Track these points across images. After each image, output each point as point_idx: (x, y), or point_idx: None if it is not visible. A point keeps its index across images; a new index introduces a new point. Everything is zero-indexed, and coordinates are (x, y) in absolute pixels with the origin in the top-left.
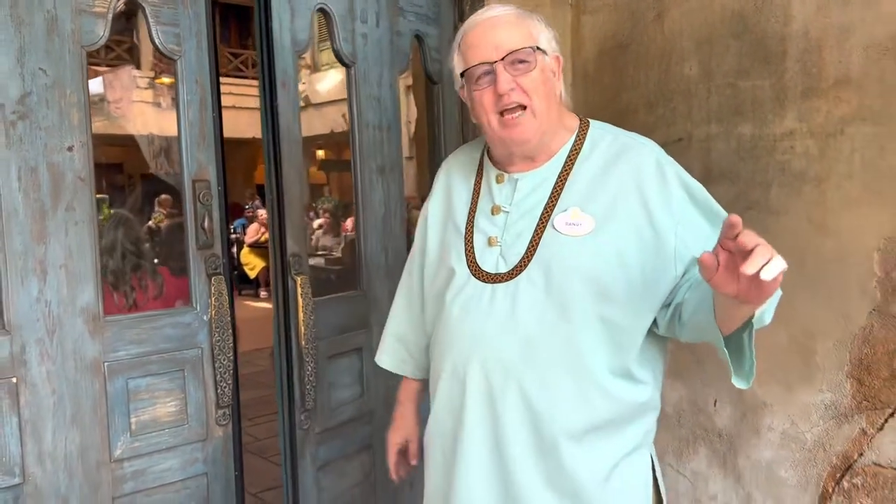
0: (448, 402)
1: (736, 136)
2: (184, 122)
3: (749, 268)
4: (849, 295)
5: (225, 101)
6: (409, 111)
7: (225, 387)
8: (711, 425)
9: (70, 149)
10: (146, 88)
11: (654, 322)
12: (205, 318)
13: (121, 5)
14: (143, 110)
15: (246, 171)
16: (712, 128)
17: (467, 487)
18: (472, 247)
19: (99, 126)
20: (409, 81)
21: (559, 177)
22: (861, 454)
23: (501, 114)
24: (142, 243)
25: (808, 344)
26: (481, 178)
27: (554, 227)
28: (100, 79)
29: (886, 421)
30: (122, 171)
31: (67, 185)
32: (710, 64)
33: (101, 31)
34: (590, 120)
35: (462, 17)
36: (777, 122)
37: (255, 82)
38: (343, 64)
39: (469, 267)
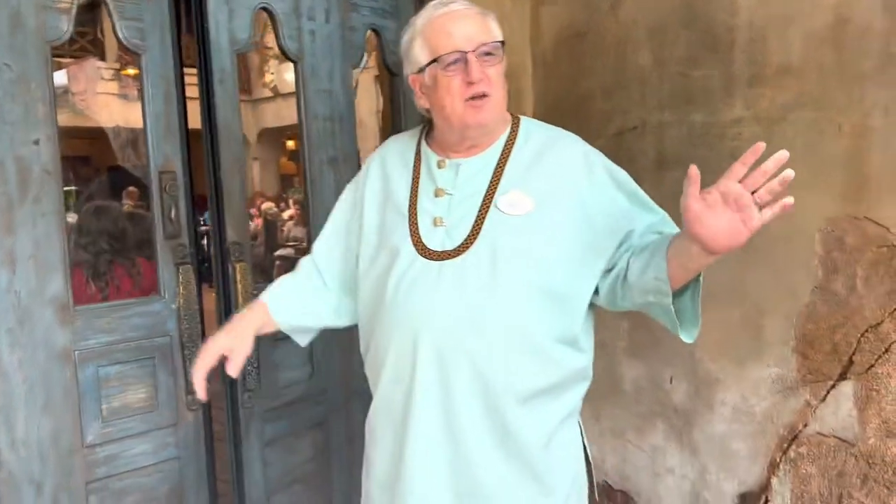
0: (396, 376)
1: (688, 123)
2: (149, 115)
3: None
4: (794, 273)
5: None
6: (378, 102)
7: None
8: (668, 401)
9: (36, 142)
10: (111, 80)
11: (595, 291)
12: (173, 306)
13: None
14: (108, 102)
15: None
16: (665, 115)
17: (421, 452)
18: (417, 227)
19: (64, 119)
20: (376, 72)
21: (498, 163)
22: (806, 425)
23: (467, 100)
24: (110, 234)
25: (757, 320)
26: (420, 164)
27: (497, 208)
28: (63, 71)
29: (828, 393)
30: (90, 164)
31: (34, 178)
32: (663, 53)
33: (65, 27)
34: (519, 116)
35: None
36: (726, 109)
37: None
38: (289, 59)
39: (415, 246)
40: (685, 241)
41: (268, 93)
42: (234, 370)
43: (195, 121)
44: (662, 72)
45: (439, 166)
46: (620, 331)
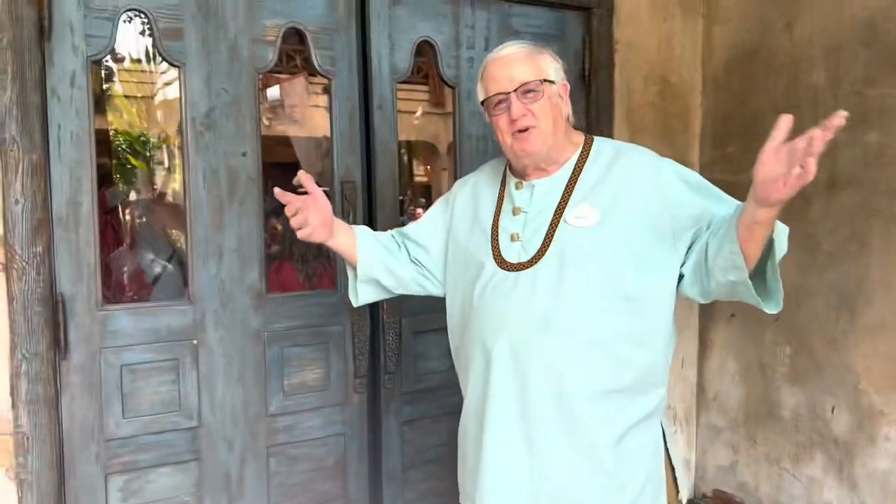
0: (478, 376)
1: (862, 143)
2: (335, 132)
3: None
4: None
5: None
6: None
7: (362, 360)
8: (828, 432)
9: (244, 154)
10: (321, 94)
11: (682, 285)
12: (346, 300)
13: (286, 32)
14: (317, 114)
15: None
16: (839, 135)
17: (496, 444)
18: (498, 243)
19: (277, 129)
20: None
21: (569, 181)
22: None
23: (515, 133)
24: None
25: None
26: (504, 188)
27: (566, 222)
28: (277, 87)
29: None
30: (297, 170)
31: (241, 184)
32: (838, 72)
33: (271, 56)
34: (594, 136)
35: (590, 33)
36: None
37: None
38: (447, 85)
39: (495, 259)
40: (748, 202)
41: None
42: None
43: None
44: (837, 91)
45: (517, 188)
46: (781, 355)
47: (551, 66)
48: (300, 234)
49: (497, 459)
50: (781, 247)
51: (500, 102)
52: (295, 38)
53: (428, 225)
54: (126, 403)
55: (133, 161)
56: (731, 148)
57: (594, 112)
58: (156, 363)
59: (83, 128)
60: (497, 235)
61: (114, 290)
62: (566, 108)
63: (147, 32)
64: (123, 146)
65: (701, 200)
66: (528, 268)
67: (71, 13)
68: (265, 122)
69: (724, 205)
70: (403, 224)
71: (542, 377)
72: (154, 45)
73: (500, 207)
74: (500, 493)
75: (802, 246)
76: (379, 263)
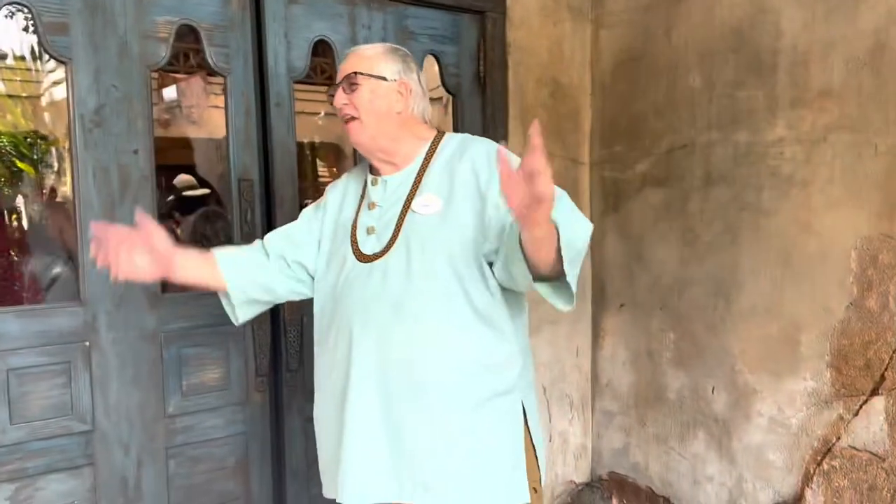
0: (339, 364)
1: (733, 142)
2: (231, 129)
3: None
4: (830, 290)
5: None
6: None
7: (263, 358)
8: (710, 411)
9: (135, 152)
10: (221, 94)
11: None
12: None
13: (180, 30)
14: (216, 115)
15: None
16: (713, 135)
17: (358, 426)
18: (356, 237)
19: (175, 130)
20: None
21: (418, 174)
22: (838, 438)
23: (346, 122)
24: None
25: (794, 335)
26: (365, 185)
27: (413, 211)
28: (174, 87)
29: (861, 407)
30: (194, 171)
31: (133, 182)
32: (711, 75)
33: (164, 53)
34: (445, 132)
35: (484, 36)
36: (769, 129)
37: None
38: None
39: (354, 253)
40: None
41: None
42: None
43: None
44: (711, 93)
45: (373, 184)
46: (667, 341)
47: (389, 66)
48: (112, 276)
49: (358, 443)
50: (571, 251)
51: (334, 92)
52: (191, 37)
53: (303, 225)
54: (13, 409)
55: (19, 164)
56: (618, 147)
57: (489, 111)
58: (46, 366)
59: None
60: (356, 230)
61: (3, 297)
62: (401, 105)
63: (31, 28)
64: (8, 148)
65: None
66: (380, 258)
67: None
68: (162, 123)
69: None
70: None
71: (396, 360)
72: (39, 42)
73: (361, 204)
74: (363, 475)
75: (683, 238)
76: (251, 283)
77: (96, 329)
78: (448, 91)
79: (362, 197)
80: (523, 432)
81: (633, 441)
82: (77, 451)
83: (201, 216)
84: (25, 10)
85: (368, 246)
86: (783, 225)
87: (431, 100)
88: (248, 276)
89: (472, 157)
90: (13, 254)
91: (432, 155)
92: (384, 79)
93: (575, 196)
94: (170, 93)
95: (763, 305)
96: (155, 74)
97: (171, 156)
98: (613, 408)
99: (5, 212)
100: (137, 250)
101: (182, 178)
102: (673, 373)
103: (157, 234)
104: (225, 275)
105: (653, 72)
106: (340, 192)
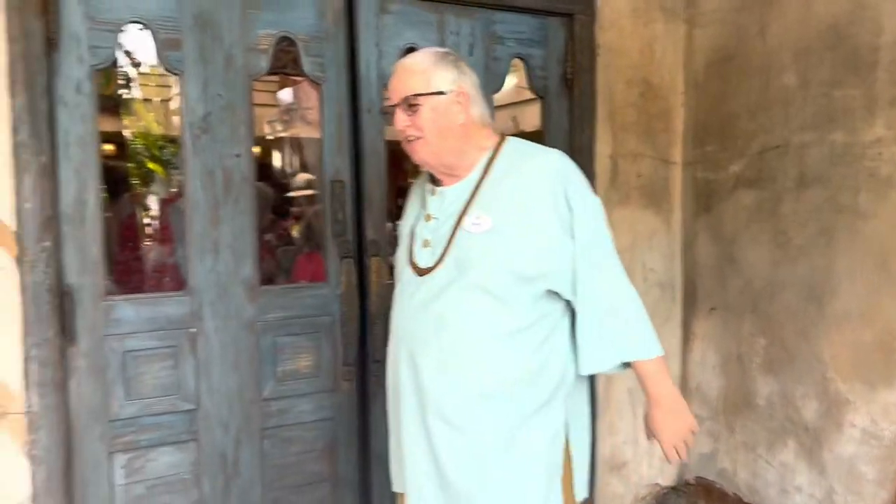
0: (393, 372)
1: (829, 142)
2: (325, 134)
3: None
4: None
5: None
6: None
7: (350, 349)
8: (799, 419)
9: (238, 155)
10: None
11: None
12: (337, 292)
13: (280, 41)
14: None
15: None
16: (807, 135)
17: (409, 437)
18: (413, 248)
19: (293, 131)
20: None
21: (475, 187)
22: None
23: (408, 142)
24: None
25: (890, 343)
26: (427, 195)
27: (463, 228)
28: (290, 90)
29: None
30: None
31: (235, 184)
32: (807, 74)
33: (264, 63)
34: (508, 137)
35: (573, 38)
36: (867, 129)
37: None
38: None
39: (410, 265)
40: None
41: None
42: None
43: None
44: (806, 92)
45: (432, 194)
46: (757, 346)
47: (444, 76)
48: None
49: (409, 452)
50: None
51: (391, 113)
52: (289, 47)
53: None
54: (129, 387)
55: (150, 165)
56: (710, 147)
57: (576, 113)
58: (157, 350)
59: (88, 132)
60: (414, 241)
61: (135, 282)
62: (463, 116)
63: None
64: (141, 150)
65: (579, 229)
66: (431, 272)
67: (77, 26)
68: (278, 125)
69: (585, 250)
70: (394, 228)
71: (435, 374)
72: (156, 56)
73: (420, 214)
74: (416, 486)
75: (775, 241)
76: None
77: (201, 317)
78: (535, 93)
79: (423, 205)
80: (563, 446)
81: (721, 447)
82: (182, 427)
83: (315, 214)
84: (144, 27)
85: (423, 259)
86: (881, 228)
87: (524, 101)
88: None
89: (533, 173)
90: (144, 246)
91: (489, 167)
92: (442, 93)
93: (666, 196)
94: (285, 95)
95: (857, 311)
96: (276, 78)
97: (286, 154)
98: (702, 412)
99: (137, 208)
100: None
101: (301, 177)
102: (763, 379)
103: None
104: None
105: (746, 71)
106: (409, 200)
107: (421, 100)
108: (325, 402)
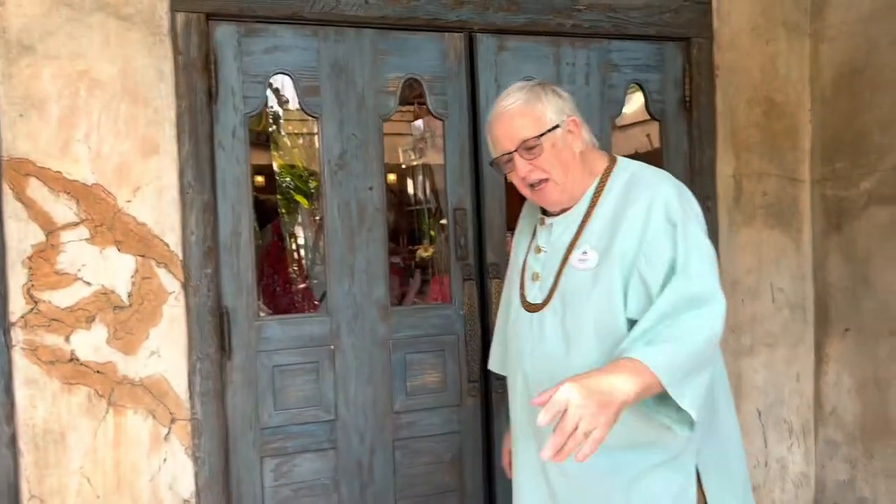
0: (511, 405)
1: None
2: (448, 166)
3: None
4: None
5: None
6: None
7: (474, 366)
8: None
9: (370, 188)
10: None
11: None
12: (460, 312)
13: (406, 83)
14: None
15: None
16: None
17: (525, 475)
18: (524, 282)
19: (427, 159)
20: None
21: (582, 219)
22: None
23: (531, 185)
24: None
25: None
26: (536, 224)
27: (570, 264)
28: (422, 120)
29: None
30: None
31: (368, 214)
32: None
33: (392, 104)
34: (618, 159)
35: (690, 62)
36: None
37: None
38: None
39: (520, 299)
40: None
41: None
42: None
43: None
44: None
45: (541, 225)
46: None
47: (551, 110)
48: None
49: (526, 495)
50: (673, 378)
51: (507, 161)
52: (414, 88)
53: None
54: (277, 398)
55: (297, 196)
56: (840, 163)
57: (696, 134)
58: (300, 365)
59: (242, 172)
60: (525, 274)
61: (283, 305)
62: (578, 143)
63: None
64: (288, 183)
65: (666, 258)
66: (539, 309)
67: (232, 80)
68: (412, 153)
69: (683, 279)
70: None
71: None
72: (297, 101)
73: (531, 245)
74: None
75: None
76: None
77: (339, 335)
78: (653, 116)
79: (533, 236)
80: (695, 497)
81: (859, 474)
82: (323, 436)
83: (442, 239)
84: (288, 77)
85: (532, 294)
86: None
87: (641, 122)
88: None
89: (633, 206)
90: (291, 272)
91: (599, 195)
92: (556, 126)
93: (794, 215)
94: (420, 125)
95: None
96: (411, 107)
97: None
98: (838, 437)
99: (286, 236)
100: None
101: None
102: None
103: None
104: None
105: (878, 84)
106: (518, 230)
107: (538, 141)
108: (451, 416)
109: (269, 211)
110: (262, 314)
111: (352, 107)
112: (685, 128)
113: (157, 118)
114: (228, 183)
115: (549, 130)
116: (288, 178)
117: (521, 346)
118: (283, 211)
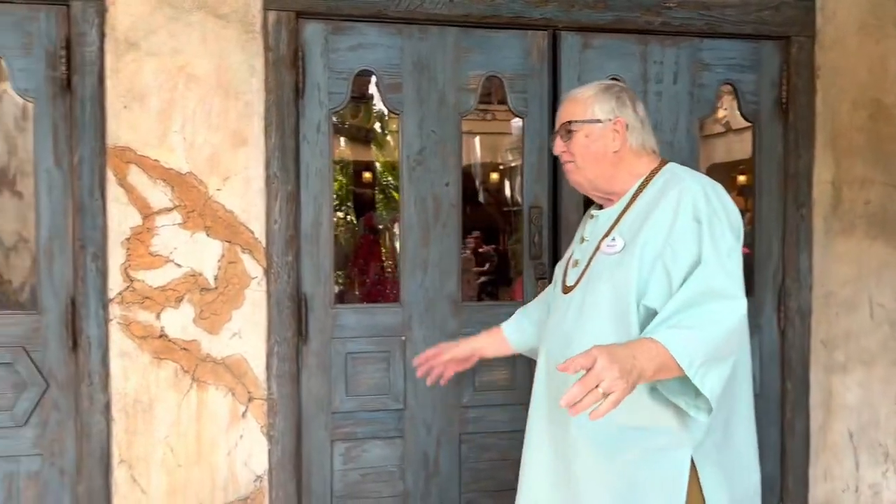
0: (534, 386)
1: None
2: (526, 164)
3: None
4: None
5: None
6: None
7: None
8: None
9: (447, 184)
10: None
11: None
12: None
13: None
14: None
15: None
16: None
17: (533, 451)
18: (567, 268)
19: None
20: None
21: (621, 212)
22: None
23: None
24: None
25: None
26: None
27: (600, 250)
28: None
29: None
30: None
31: (444, 209)
32: None
33: (472, 101)
34: (669, 163)
35: (788, 62)
36: None
37: None
38: None
39: (562, 284)
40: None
41: (719, 128)
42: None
43: None
44: None
45: (590, 217)
46: None
47: (603, 107)
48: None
49: (531, 468)
50: (693, 364)
51: (553, 138)
52: (493, 85)
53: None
54: (348, 384)
55: (395, 194)
56: None
57: (791, 137)
58: (372, 353)
59: (324, 165)
60: (569, 262)
61: (372, 295)
62: (618, 144)
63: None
64: (388, 180)
65: (692, 253)
66: (570, 291)
67: (318, 76)
68: (509, 154)
69: (707, 272)
70: None
71: (557, 396)
72: (380, 98)
73: (581, 235)
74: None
75: None
76: (531, 339)
77: (411, 327)
78: (745, 118)
79: (584, 227)
80: (684, 498)
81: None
82: (392, 424)
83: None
84: (371, 75)
85: (570, 278)
86: None
87: (733, 130)
88: (533, 341)
89: (666, 199)
90: (382, 264)
91: (639, 193)
92: (598, 121)
93: None
94: (517, 124)
95: None
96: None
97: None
98: None
99: (379, 229)
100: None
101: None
102: None
103: (461, 354)
104: (516, 347)
105: None
106: (584, 217)
107: (576, 127)
108: (519, 415)
109: (366, 204)
110: (338, 303)
111: (432, 104)
112: (780, 131)
113: (247, 112)
114: (311, 175)
115: (589, 122)
116: (387, 174)
117: (549, 322)
118: (381, 205)
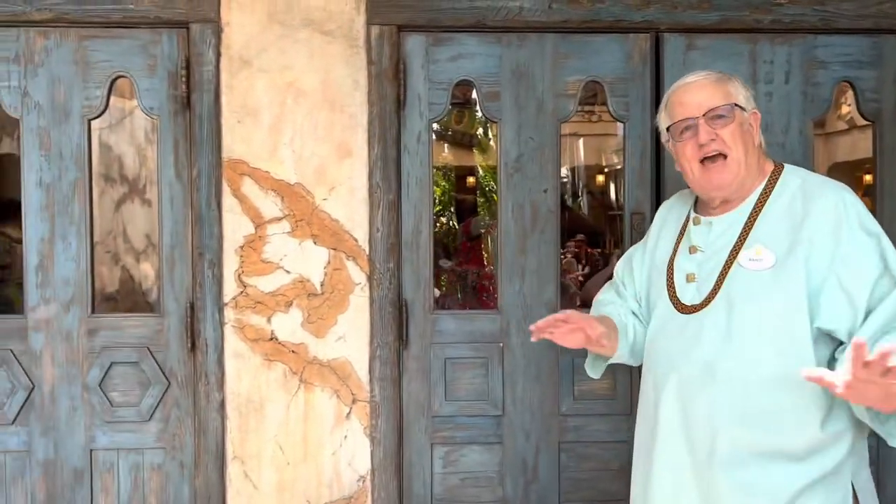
0: (647, 414)
1: None
2: (627, 169)
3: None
4: None
5: None
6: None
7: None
8: None
9: (545, 191)
10: None
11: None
12: None
13: (587, 85)
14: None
15: None
16: None
17: (665, 486)
18: (674, 283)
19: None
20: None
21: (748, 218)
22: None
23: (703, 162)
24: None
25: None
26: (687, 223)
27: (739, 264)
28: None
29: None
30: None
31: (542, 216)
32: None
33: (571, 107)
34: (785, 164)
35: None
36: None
37: None
38: None
39: (671, 300)
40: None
41: (842, 125)
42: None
43: None
44: None
45: (695, 223)
46: None
47: (741, 93)
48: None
49: (665, 489)
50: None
51: (686, 129)
52: (592, 90)
53: (626, 277)
54: (448, 389)
55: (495, 197)
56: None
57: None
58: (471, 359)
59: (424, 174)
60: (673, 274)
61: (472, 302)
62: (758, 138)
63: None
64: (487, 183)
65: (872, 269)
66: (698, 311)
67: (419, 87)
68: (615, 157)
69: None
70: None
71: (702, 427)
72: (479, 106)
73: (679, 244)
74: None
75: None
76: (627, 347)
77: (509, 333)
78: (865, 118)
79: (681, 234)
80: None
81: None
82: (490, 430)
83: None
84: (471, 84)
85: (688, 295)
86: None
87: (857, 126)
88: (626, 344)
89: (819, 210)
90: (483, 270)
91: (767, 195)
92: (744, 109)
93: None
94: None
95: None
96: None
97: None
98: None
99: (477, 235)
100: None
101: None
102: None
103: (593, 333)
104: (620, 346)
105: None
106: (658, 226)
107: (729, 111)
108: (620, 425)
109: (468, 209)
110: (437, 309)
111: (530, 110)
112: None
113: (351, 124)
114: (412, 184)
115: (740, 108)
116: (489, 178)
117: (670, 346)
118: (483, 210)
